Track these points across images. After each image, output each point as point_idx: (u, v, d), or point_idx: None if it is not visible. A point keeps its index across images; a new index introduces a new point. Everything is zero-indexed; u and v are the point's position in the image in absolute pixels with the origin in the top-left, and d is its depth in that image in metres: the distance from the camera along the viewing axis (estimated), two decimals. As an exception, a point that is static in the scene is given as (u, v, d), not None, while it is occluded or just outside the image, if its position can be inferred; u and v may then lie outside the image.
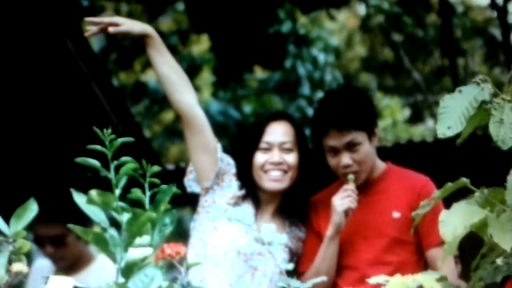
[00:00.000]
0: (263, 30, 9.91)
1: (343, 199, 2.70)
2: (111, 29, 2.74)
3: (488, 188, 1.87)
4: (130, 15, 9.96)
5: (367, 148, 2.76)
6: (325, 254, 2.74)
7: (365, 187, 2.78)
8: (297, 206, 2.85)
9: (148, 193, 1.76)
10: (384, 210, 2.78)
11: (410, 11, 11.44)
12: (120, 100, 6.27)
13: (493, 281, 1.89)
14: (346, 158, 2.73)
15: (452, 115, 1.78)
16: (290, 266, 2.12)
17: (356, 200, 2.70)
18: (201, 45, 11.89)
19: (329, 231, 2.73)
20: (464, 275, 3.05)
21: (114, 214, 1.72)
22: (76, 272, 3.54)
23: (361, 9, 12.68)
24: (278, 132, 2.81)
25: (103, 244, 1.70)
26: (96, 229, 1.73)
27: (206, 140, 2.79)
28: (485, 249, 1.85)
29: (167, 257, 1.68)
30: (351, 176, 2.73)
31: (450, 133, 1.79)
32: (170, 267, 1.71)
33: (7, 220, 1.73)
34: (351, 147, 2.74)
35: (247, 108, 12.05)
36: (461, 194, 1.90)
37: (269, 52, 10.36)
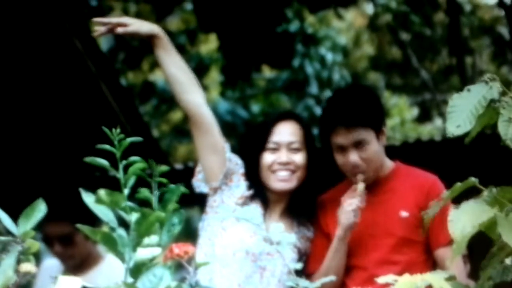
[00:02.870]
0: (271, 29, 9.90)
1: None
2: (119, 30, 2.74)
3: (496, 187, 1.86)
4: (138, 15, 9.97)
5: (375, 146, 2.76)
6: (335, 254, 2.73)
7: (373, 186, 2.78)
8: (305, 206, 2.85)
9: (156, 193, 1.76)
10: (392, 210, 2.78)
11: (418, 10, 11.42)
12: (128, 99, 6.28)
13: (502, 280, 1.89)
14: (353, 156, 2.73)
15: (461, 114, 1.78)
16: (299, 266, 2.12)
17: (364, 199, 2.70)
18: (209, 45, 11.88)
19: (338, 231, 2.73)
20: (473, 274, 3.04)
21: (123, 213, 1.72)
22: (85, 272, 3.54)
23: (369, 8, 12.67)
24: (285, 132, 2.81)
25: (111, 244, 1.70)
26: (105, 228, 1.74)
27: (214, 140, 2.79)
28: (495, 248, 1.85)
29: (176, 257, 1.69)
30: (360, 176, 2.72)
31: (459, 132, 1.79)
32: (179, 267, 1.71)
33: (15, 220, 1.74)
34: (358, 145, 2.73)
35: (255, 107, 12.05)
36: (469, 193, 1.90)
37: (277, 51, 10.35)
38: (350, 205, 2.69)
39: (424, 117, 13.26)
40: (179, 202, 1.77)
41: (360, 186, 2.72)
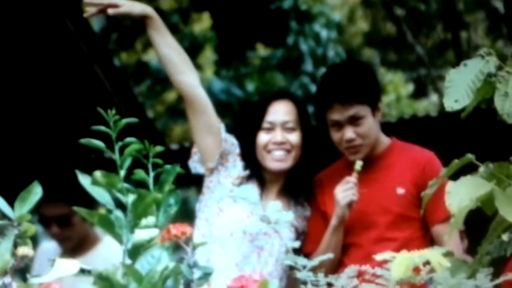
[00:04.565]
0: (264, 6, 9.86)
1: (346, 192, 2.69)
2: (110, 11, 2.72)
3: (493, 162, 1.86)
4: (131, -6, 9.90)
5: (370, 122, 2.75)
6: (330, 243, 2.74)
7: (369, 163, 2.78)
8: (301, 185, 2.85)
9: (152, 174, 1.75)
10: (388, 187, 2.78)
11: (412, -16, 11.37)
12: (122, 80, 6.26)
13: (499, 255, 1.89)
14: (349, 132, 2.73)
15: (458, 89, 1.77)
16: (297, 244, 2.12)
17: (357, 192, 2.69)
18: (202, 24, 11.83)
19: (333, 221, 2.73)
20: (470, 250, 3.05)
21: (119, 195, 1.72)
22: (82, 254, 3.54)
23: (363, -16, 12.59)
24: (280, 112, 2.81)
25: (109, 226, 1.70)
26: (102, 210, 1.73)
27: (209, 120, 2.79)
28: (493, 223, 1.85)
29: (173, 238, 1.68)
30: (359, 163, 2.72)
31: (457, 106, 1.79)
32: (176, 247, 1.71)
33: (11, 204, 1.73)
34: (354, 121, 2.73)
35: (250, 86, 12.01)
36: (466, 169, 1.90)
37: (271, 29, 10.32)
38: (344, 199, 2.69)
39: (419, 93, 13.25)
40: (175, 182, 1.76)
41: (358, 163, 2.72)
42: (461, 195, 1.77)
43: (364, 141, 2.75)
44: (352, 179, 2.71)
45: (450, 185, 1.79)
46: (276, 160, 2.78)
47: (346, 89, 2.73)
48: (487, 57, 1.78)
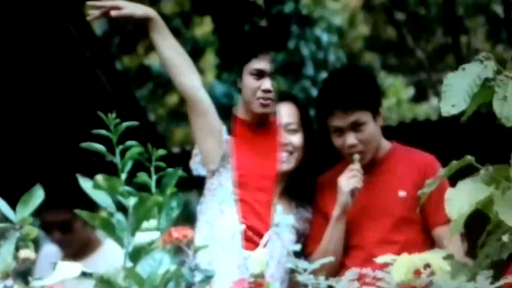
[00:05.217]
0: (265, 11, 9.85)
1: (349, 179, 2.71)
2: (113, 13, 2.73)
3: (493, 165, 1.87)
4: (132, -2, 9.90)
5: (372, 127, 2.77)
6: (332, 234, 2.75)
7: (370, 167, 2.79)
8: (303, 187, 2.85)
9: (154, 177, 1.76)
10: (390, 190, 2.79)
11: (413, -11, 11.38)
12: (124, 84, 6.27)
13: (499, 258, 1.90)
14: (351, 138, 2.74)
15: (456, 93, 1.78)
16: (298, 247, 2.13)
17: (362, 179, 2.71)
18: (204, 28, 11.84)
19: (335, 211, 2.74)
20: (470, 252, 3.06)
21: (121, 198, 1.73)
22: (84, 258, 3.54)
23: (364, -12, 12.59)
24: (282, 114, 2.82)
25: (110, 229, 1.71)
26: (103, 214, 1.74)
27: (211, 122, 2.79)
28: (491, 226, 1.86)
29: (175, 241, 1.69)
30: (356, 156, 2.74)
31: (454, 111, 1.80)
32: (178, 250, 1.71)
33: (13, 207, 1.74)
34: (356, 127, 2.74)
35: (251, 90, 11.99)
36: (466, 172, 1.91)
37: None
38: (348, 185, 2.71)
39: (420, 97, 13.25)
40: (177, 185, 1.77)
41: (356, 157, 2.73)
42: (460, 201, 1.78)
43: (366, 146, 2.76)
44: (355, 166, 2.72)
45: (449, 193, 1.80)
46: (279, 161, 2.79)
47: (347, 96, 2.74)
48: (485, 62, 1.79)
